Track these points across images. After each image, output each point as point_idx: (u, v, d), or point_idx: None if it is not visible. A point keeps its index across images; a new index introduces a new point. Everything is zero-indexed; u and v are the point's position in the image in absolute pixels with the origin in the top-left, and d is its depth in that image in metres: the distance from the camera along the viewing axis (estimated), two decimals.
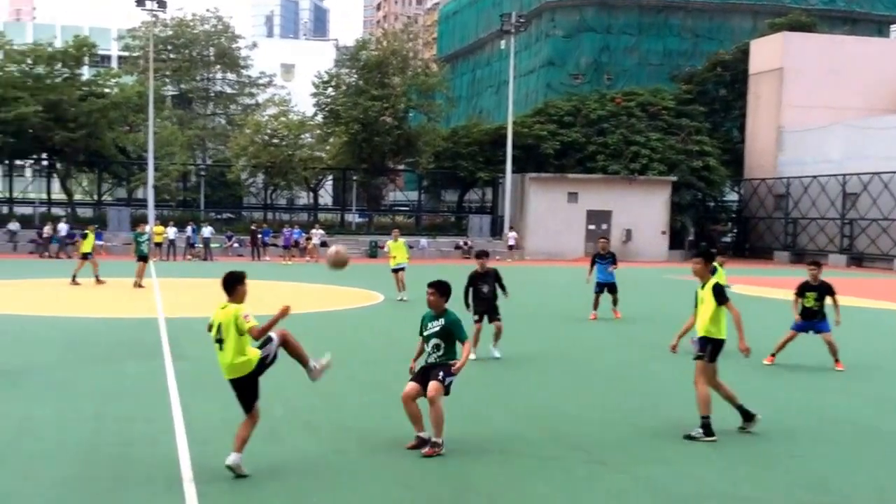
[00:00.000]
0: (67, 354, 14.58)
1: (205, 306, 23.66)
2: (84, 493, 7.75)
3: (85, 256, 29.95)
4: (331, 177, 68.68)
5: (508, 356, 15.52)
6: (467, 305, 14.86)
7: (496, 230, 59.08)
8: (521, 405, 11.84)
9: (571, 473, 8.69)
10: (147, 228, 32.78)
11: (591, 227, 56.91)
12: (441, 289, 9.47)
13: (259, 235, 49.16)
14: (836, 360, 15.17)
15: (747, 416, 10.43)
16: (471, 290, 15.09)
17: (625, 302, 22.76)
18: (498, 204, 61.95)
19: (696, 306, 10.42)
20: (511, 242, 54.10)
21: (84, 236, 31.02)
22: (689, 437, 9.94)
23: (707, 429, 9.92)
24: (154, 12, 56.78)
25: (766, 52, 61.01)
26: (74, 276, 29.01)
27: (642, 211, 57.26)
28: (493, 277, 15.14)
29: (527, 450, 9.51)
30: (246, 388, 8.56)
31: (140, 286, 27.95)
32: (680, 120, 60.68)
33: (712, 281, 10.24)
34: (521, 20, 59.20)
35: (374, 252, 51.51)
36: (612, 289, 22.02)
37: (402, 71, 59.90)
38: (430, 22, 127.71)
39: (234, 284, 8.85)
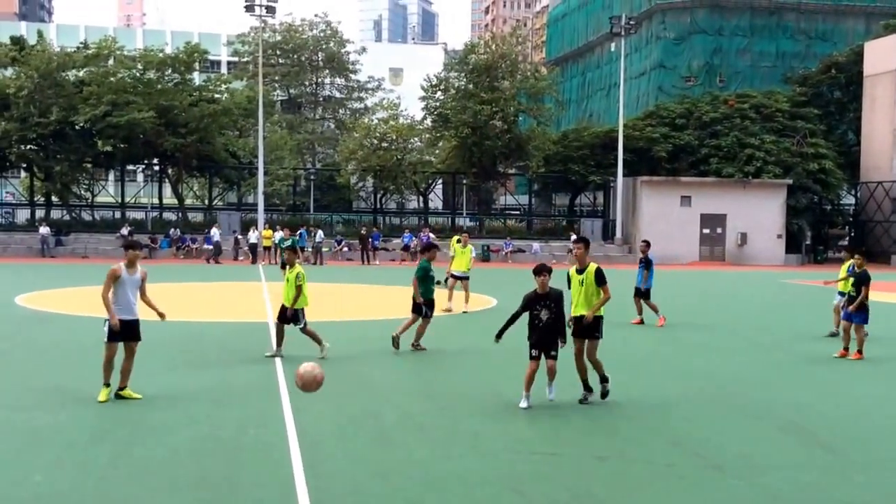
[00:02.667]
0: (178, 359, 14.57)
1: (315, 311, 23.78)
2: (197, 498, 7.78)
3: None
4: (440, 181, 68.73)
5: (618, 359, 15.09)
6: (499, 335, 11.57)
7: (608, 234, 58.36)
8: (638, 409, 11.67)
9: (688, 480, 8.59)
10: (297, 234, 31.71)
11: (706, 230, 56.06)
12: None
13: (369, 240, 49.31)
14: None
15: (589, 388, 11.77)
16: (526, 315, 11.51)
17: (742, 305, 21.97)
18: (609, 207, 61.28)
19: (569, 287, 11.71)
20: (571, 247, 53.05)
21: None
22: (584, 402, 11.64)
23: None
24: (263, 18, 57.68)
25: (881, 54, 59.30)
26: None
27: (757, 214, 56.30)
28: (557, 303, 11.38)
29: (644, 455, 9.40)
30: None
31: None
32: (794, 122, 59.42)
33: (594, 266, 11.63)
34: (631, 23, 58.49)
35: (486, 255, 51.37)
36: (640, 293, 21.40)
37: (512, 74, 59.63)
38: (539, 25, 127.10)
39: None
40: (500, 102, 57.17)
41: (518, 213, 72.97)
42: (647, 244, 22.05)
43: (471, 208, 66.77)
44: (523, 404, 11.30)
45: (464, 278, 23.40)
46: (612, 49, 65.50)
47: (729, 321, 22.70)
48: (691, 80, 69.88)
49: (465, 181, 63.16)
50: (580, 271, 11.64)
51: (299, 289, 14.90)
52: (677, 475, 8.66)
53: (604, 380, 11.79)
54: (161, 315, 11.90)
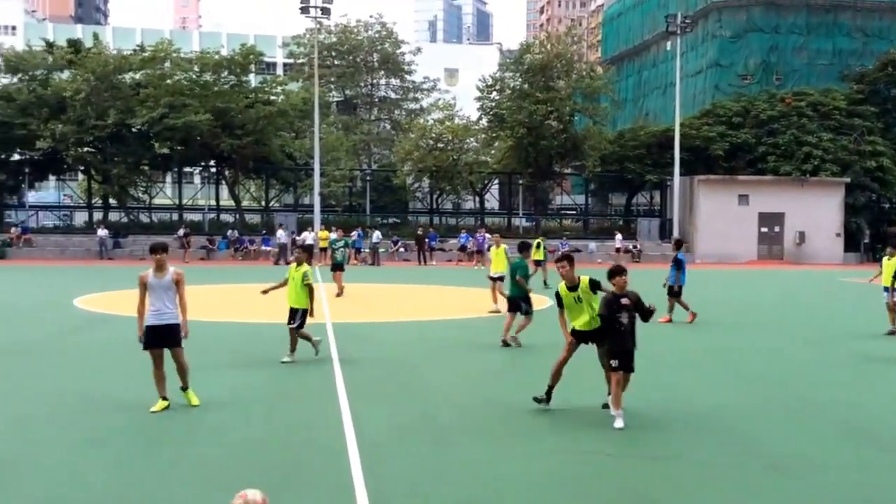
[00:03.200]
0: (236, 360, 14.67)
1: (372, 312, 23.92)
2: None
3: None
4: (496, 181, 68.62)
5: (674, 356, 14.96)
6: (617, 341, 10.58)
7: (665, 233, 57.92)
8: (693, 409, 11.54)
9: (745, 480, 8.48)
10: (355, 234, 31.49)
11: (764, 229, 55.53)
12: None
13: (426, 240, 49.41)
14: None
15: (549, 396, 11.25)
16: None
17: (800, 304, 21.67)
18: (666, 207, 60.82)
19: (562, 307, 11.07)
20: (618, 245, 52.58)
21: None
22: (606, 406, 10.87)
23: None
24: (318, 19, 58.02)
25: None
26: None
27: (815, 213, 55.87)
28: (635, 304, 10.64)
29: (700, 456, 9.31)
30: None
31: (339, 294, 26.61)
32: (852, 120, 58.84)
33: (587, 278, 10.85)
34: (687, 21, 58.07)
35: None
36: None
37: (567, 74, 59.42)
38: (595, 24, 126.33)
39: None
40: (555, 102, 56.99)
41: (574, 212, 72.73)
42: (679, 243, 22.48)
43: (527, 208, 66.58)
44: (619, 424, 10.29)
45: (499, 279, 22.66)
46: (668, 48, 64.80)
47: (785, 320, 22.41)
48: (748, 79, 68.89)
49: (521, 181, 63.05)
50: (572, 288, 10.96)
51: (310, 287, 14.74)
52: (734, 476, 8.57)
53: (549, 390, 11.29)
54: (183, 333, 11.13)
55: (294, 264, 15.10)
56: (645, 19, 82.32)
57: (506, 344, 16.52)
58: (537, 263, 30.43)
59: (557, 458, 9.12)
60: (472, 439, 9.83)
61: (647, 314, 10.70)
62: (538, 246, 30.99)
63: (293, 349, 14.70)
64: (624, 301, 10.46)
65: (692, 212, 56.12)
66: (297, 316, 14.71)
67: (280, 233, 48.52)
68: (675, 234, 56.11)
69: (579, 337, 11.02)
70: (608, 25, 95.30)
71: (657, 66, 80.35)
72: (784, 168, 56.57)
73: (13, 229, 52.60)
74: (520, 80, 60.08)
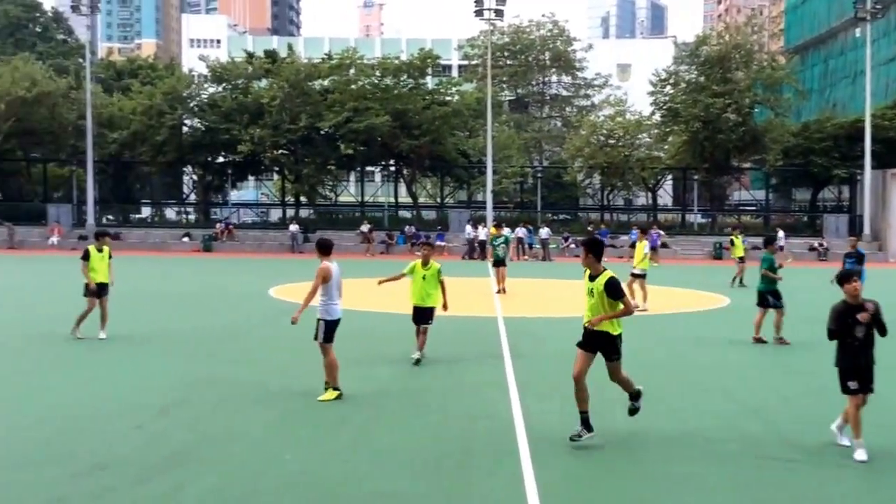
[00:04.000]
0: (411, 351, 14.93)
1: (542, 306, 24.03)
2: (432, 481, 8.11)
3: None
4: (670, 176, 67.47)
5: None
6: (850, 358, 9.12)
7: (855, 230, 55.24)
8: (886, 418, 10.89)
9: None
10: (505, 231, 31.71)
11: None
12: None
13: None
14: None
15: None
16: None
17: None
18: (856, 202, 58.07)
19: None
20: (781, 243, 49.62)
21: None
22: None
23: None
24: (492, 21, 58.93)
25: None
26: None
27: None
28: (873, 316, 9.02)
29: (892, 465, 8.83)
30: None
31: (500, 291, 26.07)
32: None
33: (607, 275, 9.36)
34: (878, 6, 55.18)
35: (718, 253, 49.93)
36: None
37: (746, 65, 57.77)
38: (776, 13, 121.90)
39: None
40: (733, 94, 55.55)
41: (754, 208, 70.46)
42: (857, 239, 22.65)
43: (702, 204, 65.05)
44: (861, 456, 8.84)
45: (639, 276, 21.81)
46: (858, 34, 61.91)
47: None
48: None
49: (696, 176, 61.72)
50: (592, 278, 9.49)
51: (443, 284, 14.37)
52: None
53: (634, 397, 9.88)
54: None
55: (420, 261, 14.45)
56: (831, 6, 78.97)
57: (759, 341, 16.41)
58: (741, 260, 30.14)
59: (737, 462, 8.85)
60: (642, 439, 9.72)
61: (884, 329, 9.12)
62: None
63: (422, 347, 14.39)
64: (860, 315, 8.92)
65: (885, 207, 53.39)
66: (432, 315, 14.38)
67: (468, 228, 50.36)
68: (866, 231, 53.64)
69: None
70: (791, 13, 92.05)
71: (845, 53, 76.91)
72: None
73: (218, 225, 57.48)
74: (695, 72, 58.88)
